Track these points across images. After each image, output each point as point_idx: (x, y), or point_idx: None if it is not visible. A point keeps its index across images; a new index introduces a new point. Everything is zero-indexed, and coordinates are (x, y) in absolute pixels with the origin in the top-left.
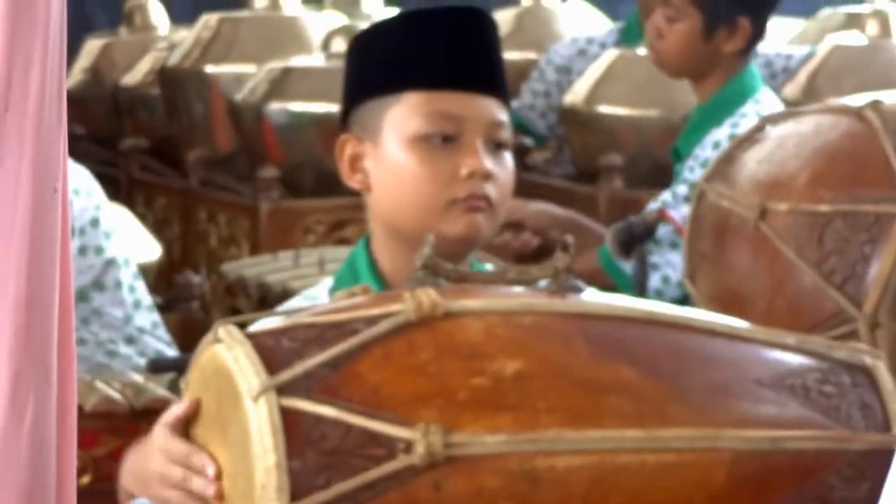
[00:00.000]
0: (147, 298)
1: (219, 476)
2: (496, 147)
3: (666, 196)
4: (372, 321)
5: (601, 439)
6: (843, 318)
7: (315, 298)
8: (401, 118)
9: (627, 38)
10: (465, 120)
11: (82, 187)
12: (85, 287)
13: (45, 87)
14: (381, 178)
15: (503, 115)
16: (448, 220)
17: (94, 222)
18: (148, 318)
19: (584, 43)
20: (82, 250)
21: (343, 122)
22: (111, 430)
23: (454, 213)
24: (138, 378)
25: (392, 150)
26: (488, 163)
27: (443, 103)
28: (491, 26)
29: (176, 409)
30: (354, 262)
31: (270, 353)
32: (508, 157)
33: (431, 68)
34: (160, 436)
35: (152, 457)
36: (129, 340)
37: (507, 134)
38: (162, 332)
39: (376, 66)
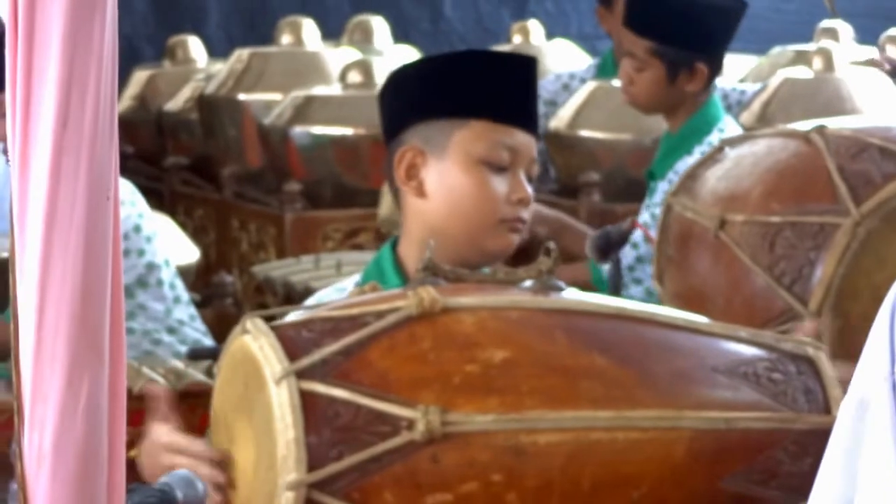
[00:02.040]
0: (185, 295)
1: (221, 461)
2: (528, 179)
3: (645, 217)
4: (380, 315)
5: (577, 419)
6: (791, 314)
7: (344, 290)
8: (468, 141)
9: (603, 72)
10: (518, 153)
11: (126, 198)
12: (130, 285)
13: (99, 107)
14: (439, 188)
15: (536, 153)
16: (493, 236)
17: (137, 228)
18: (186, 311)
19: (566, 78)
20: (126, 253)
21: (394, 133)
22: None
23: (500, 231)
24: (179, 364)
25: (456, 166)
26: (529, 191)
27: (506, 136)
28: (537, 73)
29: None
30: (381, 262)
31: (291, 342)
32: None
33: (499, 103)
34: (161, 432)
35: (160, 453)
36: (171, 331)
37: (537, 169)
38: (199, 323)
39: (447, 90)
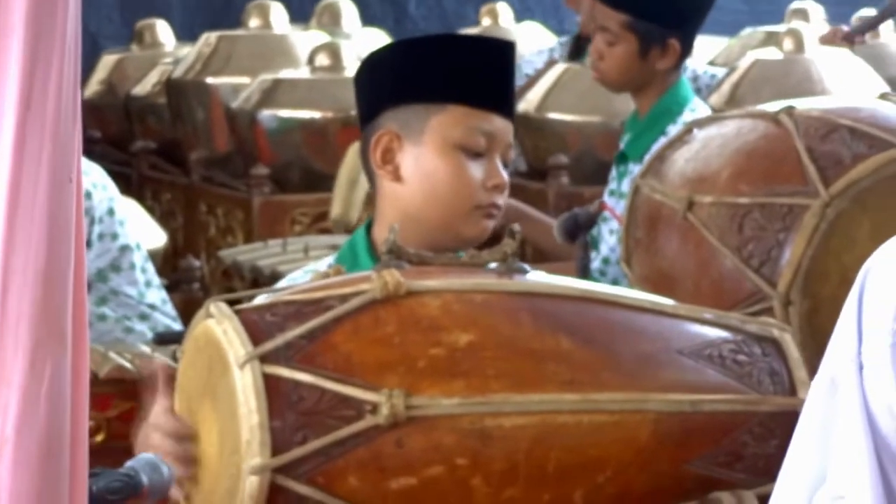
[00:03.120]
0: (156, 278)
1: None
2: (504, 164)
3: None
4: (344, 298)
5: (543, 402)
6: (759, 296)
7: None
8: (445, 126)
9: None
10: (494, 138)
11: (99, 182)
12: (104, 269)
13: (62, 90)
14: (415, 174)
15: (512, 139)
16: (468, 222)
17: (110, 212)
18: (158, 295)
19: (548, 54)
20: (100, 237)
21: (370, 116)
22: (122, 394)
23: (475, 217)
24: (146, 349)
25: (433, 151)
26: (505, 177)
27: (482, 121)
28: (514, 58)
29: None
30: (355, 245)
31: (255, 326)
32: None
33: (477, 89)
34: (153, 412)
35: (150, 435)
36: (143, 317)
37: (513, 154)
38: (170, 307)
39: (424, 75)
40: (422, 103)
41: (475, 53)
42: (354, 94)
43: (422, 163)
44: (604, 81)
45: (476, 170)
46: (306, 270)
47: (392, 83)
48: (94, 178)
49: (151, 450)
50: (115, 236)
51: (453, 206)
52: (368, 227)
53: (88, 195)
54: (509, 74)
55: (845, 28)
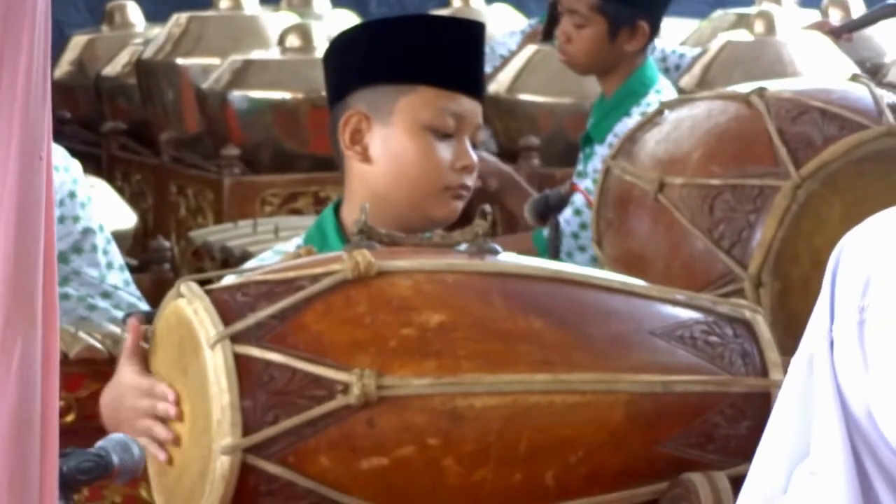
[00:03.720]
0: (119, 260)
1: (178, 401)
2: (473, 145)
3: (587, 183)
4: (315, 279)
5: (514, 382)
6: (731, 277)
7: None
8: (413, 107)
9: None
10: (463, 119)
11: (61, 164)
12: (65, 251)
13: (32, 69)
14: (384, 155)
15: (481, 119)
16: (437, 203)
17: (72, 195)
18: (120, 277)
19: (519, 35)
20: (61, 219)
21: (338, 97)
22: (93, 374)
23: (443, 198)
24: (116, 329)
25: (401, 133)
26: (474, 158)
27: (451, 102)
28: (484, 39)
29: (127, 342)
30: (323, 225)
31: (226, 306)
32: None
33: (446, 69)
34: (126, 374)
35: (124, 395)
36: (105, 295)
37: (482, 135)
38: (133, 289)
39: (393, 56)
40: (390, 84)
41: (444, 34)
42: (323, 74)
43: (391, 144)
44: (571, 64)
45: (445, 151)
46: (275, 251)
47: (361, 64)
48: (57, 160)
49: (125, 412)
50: (76, 219)
51: (422, 187)
52: (336, 208)
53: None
54: (478, 55)
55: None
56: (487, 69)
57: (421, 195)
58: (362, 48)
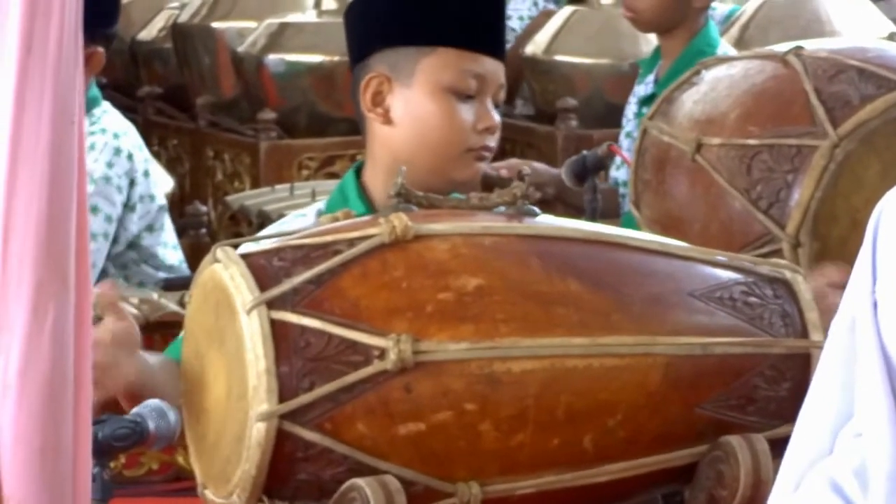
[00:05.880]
0: (174, 237)
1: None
2: (495, 105)
3: None
4: (351, 243)
5: (552, 346)
6: (768, 238)
7: (304, 216)
8: (435, 69)
9: None
10: (485, 80)
11: (136, 143)
12: (139, 231)
13: (63, 33)
14: (405, 116)
15: (504, 79)
16: (460, 165)
17: (146, 173)
18: (175, 255)
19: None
20: (141, 198)
21: (360, 58)
22: None
23: (466, 160)
24: (153, 295)
25: (423, 95)
26: (496, 119)
27: (473, 63)
28: None
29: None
30: (345, 189)
31: (262, 271)
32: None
33: (467, 30)
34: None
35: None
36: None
37: (504, 95)
38: (185, 267)
39: (413, 17)
40: (412, 46)
41: None
42: (345, 35)
43: (412, 106)
44: (637, 20)
45: (467, 112)
46: (297, 215)
47: (381, 25)
48: (134, 139)
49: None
50: (152, 198)
51: (444, 150)
52: (358, 171)
53: (130, 157)
54: (499, 15)
55: None
56: None
57: (443, 157)
58: (383, 9)
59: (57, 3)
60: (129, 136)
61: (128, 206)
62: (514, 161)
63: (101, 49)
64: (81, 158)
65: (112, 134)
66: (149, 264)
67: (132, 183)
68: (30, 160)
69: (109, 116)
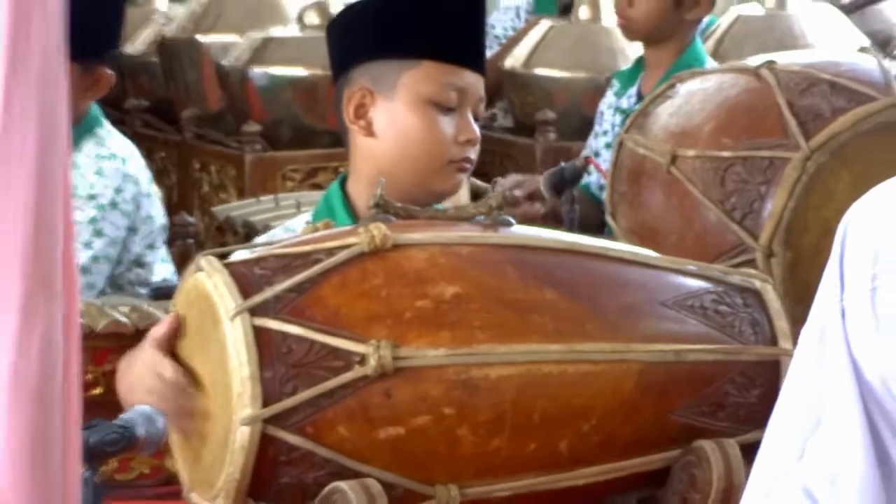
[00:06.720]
0: (165, 251)
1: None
2: (475, 118)
3: None
4: (332, 252)
5: (528, 352)
6: (742, 248)
7: (293, 230)
8: (416, 82)
9: (540, 6)
10: (465, 93)
11: (140, 166)
12: (141, 251)
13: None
14: (388, 129)
15: (483, 93)
16: (441, 177)
17: (149, 195)
18: (166, 268)
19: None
20: (145, 220)
21: (342, 71)
22: (119, 348)
23: (447, 172)
24: (142, 303)
25: (405, 107)
26: (476, 132)
27: (454, 77)
28: (484, 11)
29: (161, 327)
30: (330, 200)
31: (245, 279)
32: None
33: (450, 44)
34: (146, 349)
35: (139, 369)
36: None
37: (483, 108)
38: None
39: (396, 30)
40: (394, 59)
41: (444, 8)
42: (328, 49)
43: (394, 118)
44: (629, 29)
45: (448, 125)
46: (286, 228)
47: (364, 39)
48: (138, 162)
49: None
50: (154, 218)
51: (426, 162)
52: (342, 182)
53: (137, 182)
54: (480, 29)
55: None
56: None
57: (425, 169)
58: (365, 23)
59: (40, 22)
60: (135, 159)
61: (131, 229)
62: (521, 178)
63: (109, 71)
64: (66, 169)
65: (121, 160)
66: (142, 283)
67: (137, 207)
68: (16, 169)
69: (114, 140)
